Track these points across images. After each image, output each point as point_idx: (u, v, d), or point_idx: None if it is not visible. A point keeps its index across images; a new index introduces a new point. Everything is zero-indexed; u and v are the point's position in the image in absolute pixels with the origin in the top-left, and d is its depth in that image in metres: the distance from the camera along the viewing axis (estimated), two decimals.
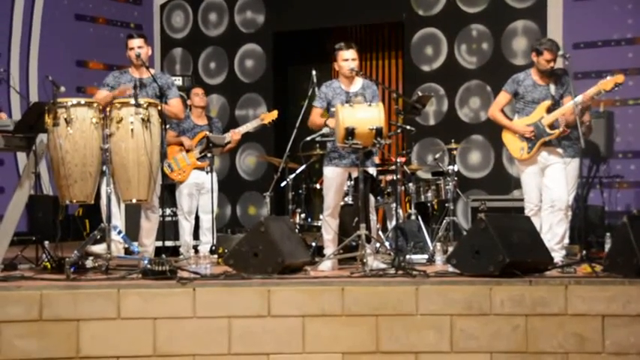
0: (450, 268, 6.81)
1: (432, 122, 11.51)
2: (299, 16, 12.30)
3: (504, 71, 9.21)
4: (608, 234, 8.20)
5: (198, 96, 8.99)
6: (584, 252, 7.21)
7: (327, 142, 7.64)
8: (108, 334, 6.16)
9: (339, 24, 12.25)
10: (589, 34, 10.59)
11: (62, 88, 6.99)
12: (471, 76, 11.30)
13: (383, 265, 7.06)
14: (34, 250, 7.36)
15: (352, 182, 7.66)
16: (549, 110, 7.42)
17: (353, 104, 7.11)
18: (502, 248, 6.42)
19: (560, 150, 7.52)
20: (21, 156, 10.40)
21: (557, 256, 7.23)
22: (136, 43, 7.69)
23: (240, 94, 12.69)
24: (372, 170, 7.38)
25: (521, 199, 7.77)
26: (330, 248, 7.53)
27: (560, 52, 7.33)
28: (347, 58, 7.38)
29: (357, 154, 7.05)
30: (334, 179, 7.45)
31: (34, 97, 10.78)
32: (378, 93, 7.54)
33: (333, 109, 7.32)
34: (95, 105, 7.10)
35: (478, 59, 11.28)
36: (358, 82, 7.52)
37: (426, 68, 11.58)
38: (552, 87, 7.48)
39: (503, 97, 7.66)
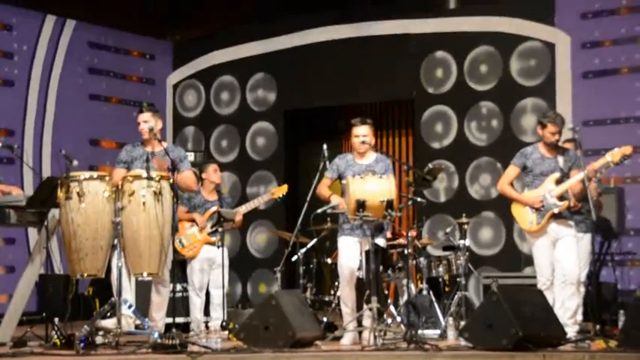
0: (463, 342, 6.74)
1: (442, 199, 11.50)
2: (310, 95, 12.40)
3: (514, 148, 9.16)
4: (621, 311, 8.12)
5: (217, 172, 9.00)
6: (597, 327, 7.14)
7: (339, 215, 7.66)
8: None
9: (350, 102, 12.34)
10: (598, 112, 10.61)
11: (75, 162, 7.03)
12: (481, 153, 11.33)
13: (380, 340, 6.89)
14: (44, 328, 7.27)
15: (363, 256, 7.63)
16: (558, 182, 7.44)
17: (363, 176, 7.17)
18: (515, 321, 6.36)
19: (571, 222, 7.51)
20: (32, 233, 10.40)
21: (571, 330, 7.17)
22: (142, 117, 7.69)
23: (251, 172, 12.74)
24: (382, 242, 7.41)
25: (533, 277, 7.73)
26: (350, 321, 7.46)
27: (570, 126, 7.40)
28: (358, 134, 7.56)
29: (368, 226, 7.06)
30: (347, 248, 7.49)
31: (47, 175, 10.82)
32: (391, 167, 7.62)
33: (344, 182, 7.38)
34: (107, 179, 7.12)
35: (488, 136, 11.31)
36: (371, 156, 7.63)
37: (436, 145, 11.62)
38: (560, 159, 7.53)
39: (512, 170, 7.74)
